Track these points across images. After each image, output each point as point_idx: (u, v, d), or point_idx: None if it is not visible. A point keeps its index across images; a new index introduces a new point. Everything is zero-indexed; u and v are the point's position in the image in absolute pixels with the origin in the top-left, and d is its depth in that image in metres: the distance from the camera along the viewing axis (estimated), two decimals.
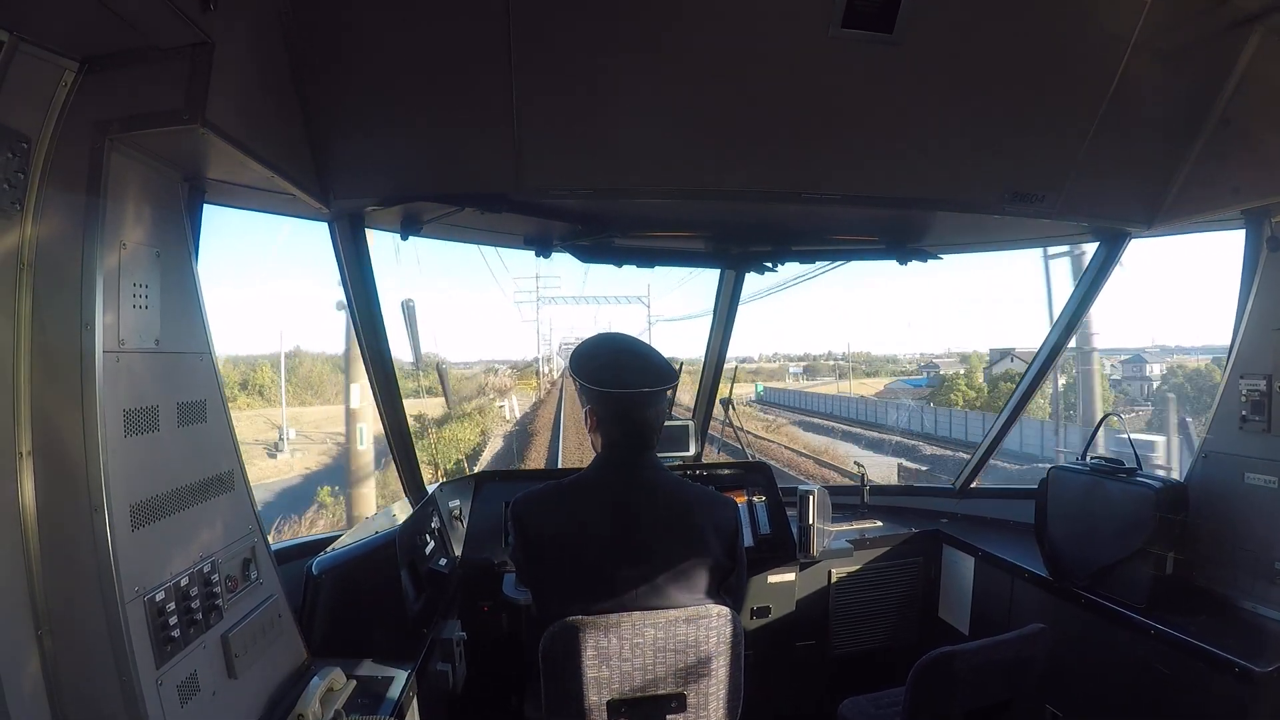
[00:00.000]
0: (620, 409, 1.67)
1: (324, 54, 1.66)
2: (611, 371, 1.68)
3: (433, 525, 2.50)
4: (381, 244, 2.50)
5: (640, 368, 1.69)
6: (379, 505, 9.10)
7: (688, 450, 3.20)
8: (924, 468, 20.57)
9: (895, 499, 3.48)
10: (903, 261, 2.78)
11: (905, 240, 2.76)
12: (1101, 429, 2.78)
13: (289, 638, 1.68)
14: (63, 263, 1.17)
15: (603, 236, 2.55)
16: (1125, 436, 2.61)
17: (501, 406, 34.03)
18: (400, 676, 1.76)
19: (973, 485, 3.40)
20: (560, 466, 12.02)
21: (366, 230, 2.28)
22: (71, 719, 1.13)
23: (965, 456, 4.13)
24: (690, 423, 3.28)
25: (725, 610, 1.58)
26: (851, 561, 2.91)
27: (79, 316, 1.17)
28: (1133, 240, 2.56)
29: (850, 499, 3.35)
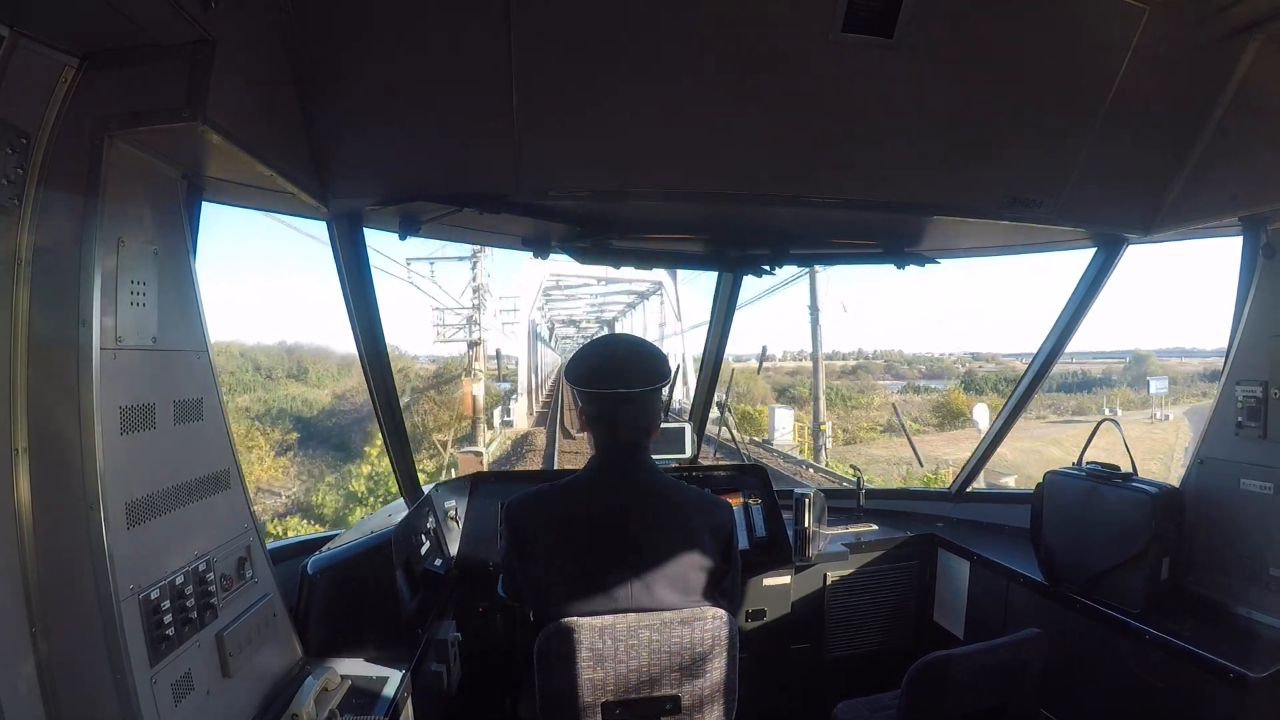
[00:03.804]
0: (603, 409, 1.67)
1: (325, 53, 1.66)
2: (596, 372, 1.67)
3: (428, 526, 2.50)
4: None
5: (627, 368, 1.67)
6: None
7: (684, 452, 3.20)
8: None
9: (891, 503, 3.48)
10: (900, 266, 2.79)
11: (902, 244, 2.77)
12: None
13: (284, 637, 1.67)
14: (60, 259, 1.17)
15: (601, 238, 2.55)
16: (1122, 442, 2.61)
17: None
18: (395, 677, 1.76)
19: (968, 489, 3.41)
20: (556, 468, 12.03)
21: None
22: (66, 718, 1.12)
23: None
24: (687, 425, 3.28)
25: (721, 612, 1.58)
26: (847, 565, 2.90)
27: (76, 313, 1.16)
28: (1130, 246, 2.58)
29: (846, 502, 3.35)
